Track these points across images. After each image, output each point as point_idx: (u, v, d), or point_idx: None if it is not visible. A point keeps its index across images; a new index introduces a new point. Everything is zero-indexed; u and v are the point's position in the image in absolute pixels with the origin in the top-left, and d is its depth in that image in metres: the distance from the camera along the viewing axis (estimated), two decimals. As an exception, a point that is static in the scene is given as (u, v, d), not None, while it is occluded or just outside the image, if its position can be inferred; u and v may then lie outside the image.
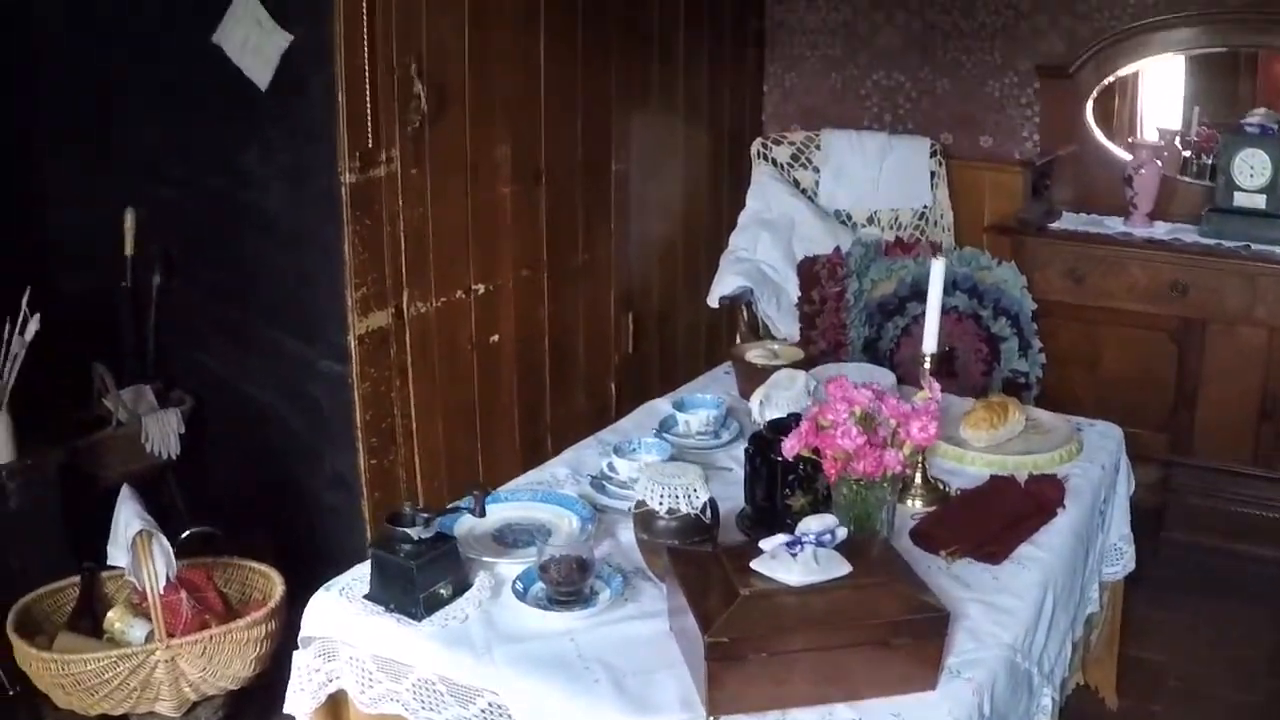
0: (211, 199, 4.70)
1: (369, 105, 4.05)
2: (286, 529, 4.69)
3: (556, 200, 4.76)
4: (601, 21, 4.91)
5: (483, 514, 2.94)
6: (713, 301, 5.25)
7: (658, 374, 5.47)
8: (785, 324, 5.15)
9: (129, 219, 4.93)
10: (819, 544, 2.54)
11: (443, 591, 2.81)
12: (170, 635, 3.76)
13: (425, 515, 2.80)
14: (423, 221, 4.27)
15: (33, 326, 4.19)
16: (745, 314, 5.28)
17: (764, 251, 5.39)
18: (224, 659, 3.82)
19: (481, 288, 4.51)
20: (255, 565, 4.19)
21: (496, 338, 4.60)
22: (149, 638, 3.88)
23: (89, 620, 4.06)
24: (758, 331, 5.25)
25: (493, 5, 4.43)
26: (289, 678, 3.02)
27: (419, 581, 2.76)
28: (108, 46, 4.83)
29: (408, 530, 2.78)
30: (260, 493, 4.86)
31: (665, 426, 3.68)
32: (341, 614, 2.88)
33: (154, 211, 4.94)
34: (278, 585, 4.03)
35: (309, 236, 4.27)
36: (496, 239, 4.54)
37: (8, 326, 4.22)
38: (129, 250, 4.95)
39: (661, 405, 3.88)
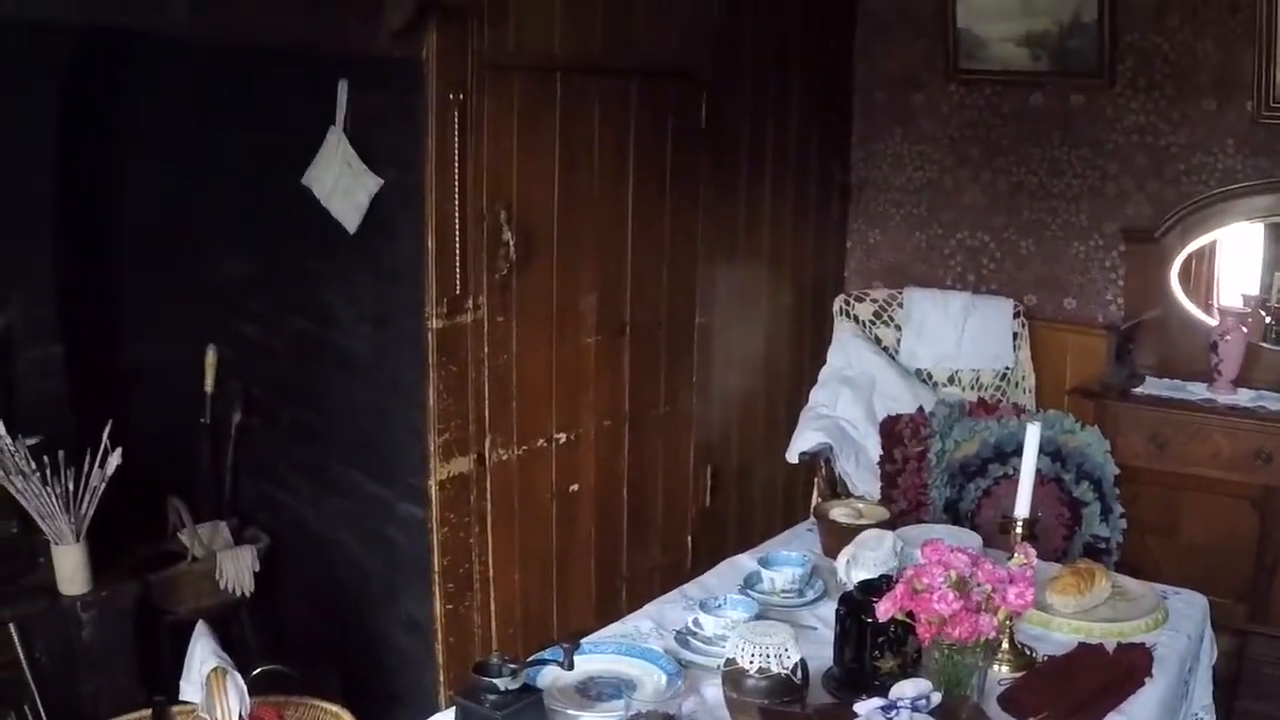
0: (294, 338, 4.76)
1: (458, 251, 4.09)
2: (356, 669, 4.68)
3: (640, 351, 4.77)
4: (690, 175, 4.94)
5: (571, 667, 2.91)
6: (792, 457, 5.21)
7: (734, 528, 5.42)
8: (864, 482, 5.10)
9: (210, 355, 5.00)
10: (914, 709, 2.50)
11: (526, 744, 2.77)
12: (241, 774, 3.73)
13: (512, 666, 2.77)
14: (507, 369, 4.30)
15: (114, 460, 4.22)
16: (824, 470, 5.23)
17: (844, 408, 5.36)
18: (286, 799, 3.79)
19: (563, 436, 4.51)
20: (327, 706, 4.15)
21: (576, 487, 4.59)
22: (213, 774, 3.86)
23: (154, 754, 4.04)
24: (835, 488, 5.20)
25: (582, 156, 4.47)
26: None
27: (503, 732, 2.73)
28: (193, 184, 4.92)
29: (494, 680, 2.75)
30: (331, 632, 4.86)
31: (750, 583, 3.62)
32: (422, 761, 2.85)
33: (235, 349, 5.01)
34: (349, 726, 4.00)
35: (392, 380, 4.30)
36: (579, 388, 4.55)
37: (88, 459, 4.24)
38: (209, 387, 5.01)
39: (745, 561, 3.82)
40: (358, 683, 4.62)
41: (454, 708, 2.86)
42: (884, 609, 2.81)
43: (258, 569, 4.85)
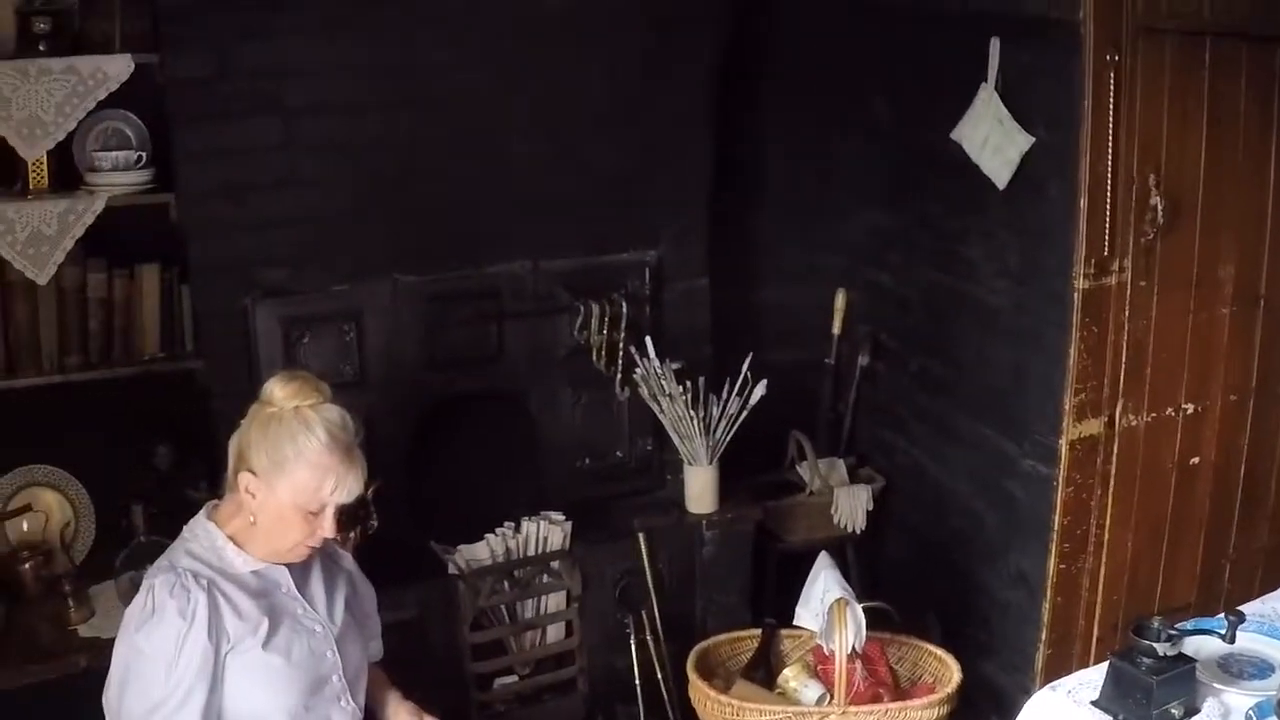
0: (928, 290, 4.84)
1: (1107, 213, 4.07)
2: (955, 616, 4.74)
3: (1271, 325, 4.60)
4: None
5: (1233, 640, 2.89)
6: None
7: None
8: None
9: (840, 299, 5.14)
10: None
11: (1175, 711, 2.79)
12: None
13: (1172, 632, 2.78)
14: (1144, 334, 4.24)
15: (759, 391, 4.43)
16: None
17: None
18: (893, 734, 3.88)
19: (1190, 407, 4.41)
20: (931, 648, 4.24)
21: (1197, 460, 4.48)
22: (820, 700, 4.02)
23: (763, 673, 4.23)
24: None
25: (1227, 123, 4.34)
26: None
27: (1156, 697, 2.75)
28: (835, 137, 5.07)
29: (1153, 644, 2.77)
30: (932, 578, 4.94)
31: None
32: (1066, 716, 2.88)
33: (867, 294, 5.13)
34: (954, 672, 4.06)
35: (1031, 337, 4.32)
36: (1210, 359, 4.44)
37: (726, 387, 4.45)
38: (836, 329, 5.16)
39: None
40: (952, 630, 4.69)
41: (1107, 664, 2.89)
42: None
43: (870, 508, 4.98)
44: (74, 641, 3.90)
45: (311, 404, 2.97)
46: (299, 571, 3.15)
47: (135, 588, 3.70)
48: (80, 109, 3.85)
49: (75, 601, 4.00)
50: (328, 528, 3.01)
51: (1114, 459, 4.29)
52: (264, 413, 2.98)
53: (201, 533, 3.06)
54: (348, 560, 3.45)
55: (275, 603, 3.07)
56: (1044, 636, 4.38)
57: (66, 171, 4.04)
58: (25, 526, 4.18)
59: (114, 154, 4.03)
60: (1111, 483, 4.31)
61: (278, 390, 3.00)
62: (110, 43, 3.91)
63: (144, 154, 4.07)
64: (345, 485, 2.97)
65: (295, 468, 2.92)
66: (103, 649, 3.56)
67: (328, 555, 3.33)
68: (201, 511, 3.12)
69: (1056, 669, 3.80)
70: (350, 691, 3.19)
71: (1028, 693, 3.06)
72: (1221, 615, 2.94)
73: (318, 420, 2.94)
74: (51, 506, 4.24)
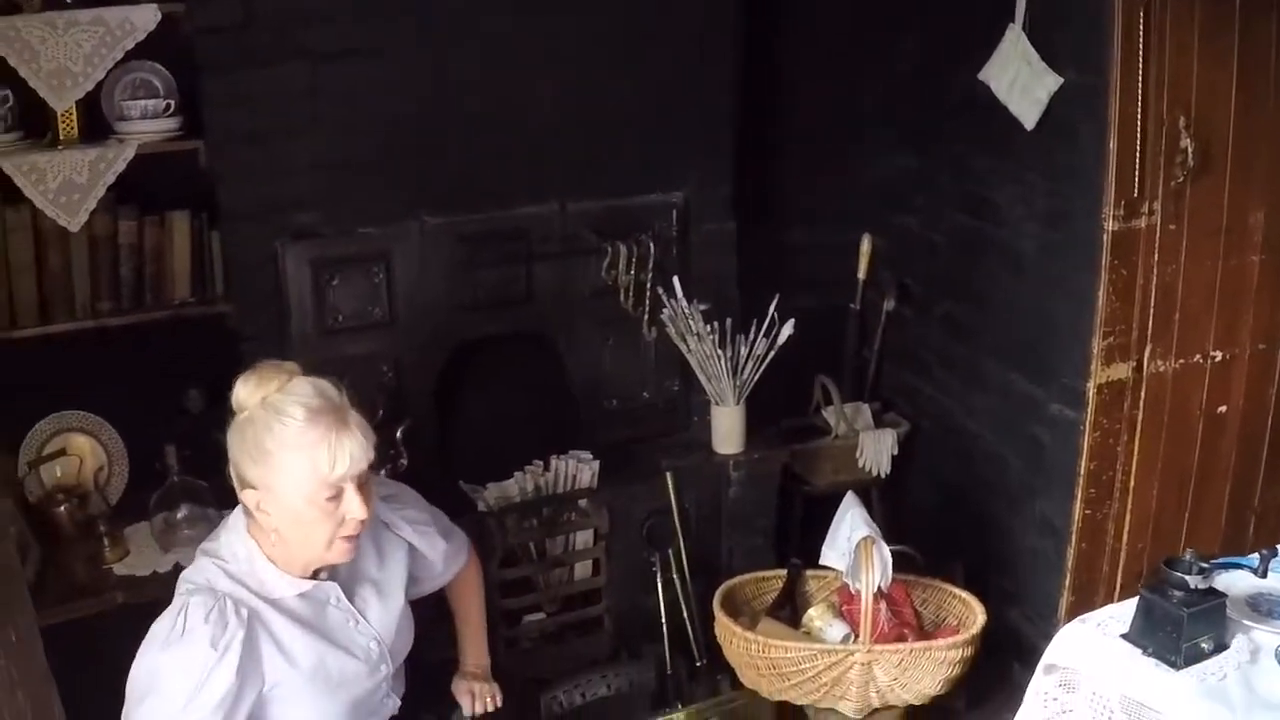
0: (955, 233, 4.83)
1: (1137, 155, 4.05)
2: (979, 561, 4.76)
3: (1301, 274, 4.61)
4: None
5: (1265, 574, 2.90)
6: None
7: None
8: None
9: (865, 244, 5.13)
10: None
11: (1204, 645, 2.79)
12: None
13: (1204, 565, 2.78)
14: (1174, 279, 4.23)
15: (786, 331, 4.43)
16: None
17: None
18: (917, 674, 3.93)
19: (1219, 354, 4.40)
20: (956, 591, 4.27)
21: (1224, 409, 4.47)
22: (846, 639, 4.07)
23: (788, 612, 4.28)
24: None
25: (1259, 65, 4.29)
26: (972, 703, 2.98)
27: (1186, 631, 2.75)
28: (859, 77, 5.04)
29: (1185, 577, 2.77)
30: (957, 523, 4.95)
31: None
32: (1094, 649, 2.90)
33: (892, 239, 5.11)
34: (979, 615, 4.09)
35: (1059, 281, 4.32)
36: (1239, 307, 4.42)
37: (753, 329, 4.45)
38: (862, 274, 5.16)
39: None
40: (975, 576, 4.69)
41: (1138, 598, 2.89)
42: None
43: (895, 452, 5.00)
44: (110, 579, 3.93)
45: (276, 388, 2.79)
46: (349, 575, 3.03)
47: (169, 527, 3.78)
48: (108, 59, 3.84)
49: (110, 541, 4.03)
50: (355, 508, 2.81)
51: (1141, 405, 4.29)
52: (238, 421, 2.82)
53: (242, 552, 2.89)
54: (406, 528, 3.27)
55: (325, 622, 2.95)
56: (1068, 583, 4.39)
57: (96, 122, 4.05)
58: (59, 471, 4.21)
59: (142, 103, 4.03)
60: (1138, 429, 4.31)
61: (240, 392, 2.82)
62: (136, -7, 3.92)
63: (172, 102, 4.07)
64: (344, 453, 2.75)
65: (283, 459, 2.74)
66: (138, 585, 3.81)
67: (383, 527, 3.20)
68: (239, 522, 2.95)
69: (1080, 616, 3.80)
70: (394, 686, 3.17)
71: (1049, 639, 3.06)
72: (1254, 554, 2.95)
73: (286, 401, 2.76)
74: (85, 451, 4.27)
